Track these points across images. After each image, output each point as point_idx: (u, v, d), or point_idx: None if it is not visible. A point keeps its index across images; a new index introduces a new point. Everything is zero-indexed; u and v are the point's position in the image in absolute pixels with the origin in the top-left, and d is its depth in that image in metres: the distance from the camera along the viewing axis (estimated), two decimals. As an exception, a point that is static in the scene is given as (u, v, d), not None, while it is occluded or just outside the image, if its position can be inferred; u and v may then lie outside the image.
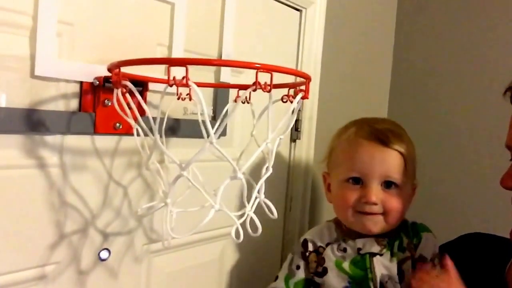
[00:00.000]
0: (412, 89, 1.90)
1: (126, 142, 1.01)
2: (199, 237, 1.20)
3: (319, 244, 1.16)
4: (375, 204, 1.08)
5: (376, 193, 1.08)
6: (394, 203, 1.09)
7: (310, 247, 1.17)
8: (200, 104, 0.71)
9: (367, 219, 1.09)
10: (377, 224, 1.09)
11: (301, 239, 1.20)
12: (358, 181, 1.10)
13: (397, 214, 1.10)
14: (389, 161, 1.10)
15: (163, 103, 0.79)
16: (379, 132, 1.11)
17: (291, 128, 1.43)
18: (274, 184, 1.43)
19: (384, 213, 1.09)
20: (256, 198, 0.81)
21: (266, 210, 0.85)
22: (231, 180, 0.75)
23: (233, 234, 0.76)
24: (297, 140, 1.49)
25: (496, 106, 1.63)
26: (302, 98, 0.81)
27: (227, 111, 1.10)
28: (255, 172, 0.88)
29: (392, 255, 1.09)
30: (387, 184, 1.10)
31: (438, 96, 1.82)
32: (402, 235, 1.12)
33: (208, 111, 1.09)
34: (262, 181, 0.81)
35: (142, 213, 1.01)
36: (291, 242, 1.51)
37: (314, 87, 1.47)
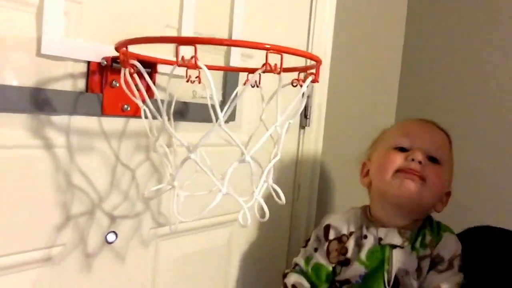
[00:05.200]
0: (423, 73, 1.87)
1: (134, 124, 1.00)
2: (207, 223, 1.20)
3: (343, 232, 1.15)
4: (421, 162, 1.07)
5: (423, 156, 1.08)
6: (436, 174, 1.09)
7: (332, 234, 1.15)
8: (209, 85, 0.69)
9: (406, 179, 1.08)
10: (414, 187, 1.07)
11: (324, 223, 1.18)
12: (404, 150, 1.11)
13: (434, 187, 1.09)
14: (437, 137, 1.15)
15: (171, 86, 0.79)
16: (430, 120, 1.20)
17: (300, 115, 1.44)
18: (282, 172, 1.42)
19: (424, 179, 1.08)
20: (264, 182, 0.79)
21: (274, 195, 0.84)
22: (239, 163, 0.74)
23: (240, 219, 0.75)
24: (306, 127, 1.47)
25: (506, 103, 1.65)
26: (313, 81, 0.79)
27: (236, 94, 1.08)
28: (263, 158, 0.87)
29: (412, 249, 1.07)
30: (431, 159, 1.10)
31: (450, 81, 1.79)
32: (426, 232, 1.10)
33: (217, 95, 1.09)
34: (270, 165, 0.79)
35: (149, 196, 1.00)
36: (298, 231, 1.50)
37: (324, 72, 1.45)
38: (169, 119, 0.85)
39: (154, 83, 0.97)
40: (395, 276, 1.05)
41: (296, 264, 1.18)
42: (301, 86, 0.80)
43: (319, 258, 1.14)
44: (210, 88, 0.69)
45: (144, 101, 0.82)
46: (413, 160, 1.08)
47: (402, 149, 1.11)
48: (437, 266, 1.06)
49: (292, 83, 0.83)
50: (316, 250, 1.16)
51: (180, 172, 0.79)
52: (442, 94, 1.79)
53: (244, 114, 1.26)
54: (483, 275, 1.08)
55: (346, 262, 1.11)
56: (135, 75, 0.82)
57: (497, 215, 1.52)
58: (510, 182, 1.60)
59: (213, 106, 0.70)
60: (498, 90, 1.66)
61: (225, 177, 0.74)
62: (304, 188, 1.51)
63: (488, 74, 1.69)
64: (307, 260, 1.16)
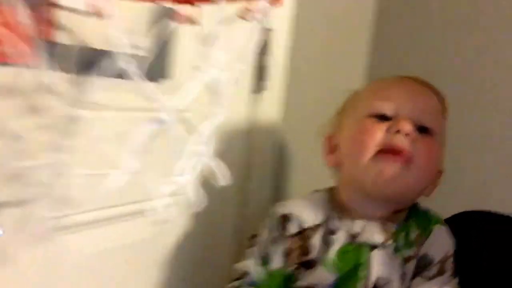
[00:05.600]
0: (403, 21, 1.58)
1: (24, 76, 0.76)
2: (129, 210, 1.00)
3: (306, 224, 0.94)
4: (408, 134, 0.87)
5: (410, 127, 0.89)
6: (427, 150, 0.90)
7: (291, 228, 0.95)
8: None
9: (388, 163, 0.89)
10: (398, 173, 0.88)
11: (279, 212, 0.98)
12: (385, 119, 0.91)
13: (425, 168, 0.90)
14: (428, 100, 0.95)
15: (75, 25, 0.66)
16: (415, 77, 0.99)
17: (256, 78, 1.26)
18: (230, 146, 1.24)
19: (411, 161, 0.88)
20: (195, 155, 0.55)
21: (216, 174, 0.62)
22: (152, 125, 0.51)
23: (148, 212, 0.51)
24: (262, 92, 1.30)
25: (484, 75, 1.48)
26: (272, 3, 0.57)
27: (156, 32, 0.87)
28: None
29: (396, 250, 0.90)
30: (421, 129, 0.91)
31: (439, 31, 1.49)
32: (412, 224, 0.92)
33: (142, 42, 0.88)
34: (206, 129, 0.56)
35: (28, 173, 0.78)
36: (250, 219, 1.33)
37: (285, 18, 1.30)
38: (66, 71, 0.63)
39: (52, 21, 0.74)
40: (374, 285, 0.88)
41: (245, 273, 0.96)
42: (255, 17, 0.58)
43: (276, 262, 0.94)
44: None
45: (30, 44, 0.60)
46: (398, 132, 0.88)
47: (381, 117, 0.92)
48: (424, 270, 0.89)
49: (243, 16, 0.60)
50: (270, 251, 0.95)
51: (69, 138, 0.61)
52: (429, 47, 1.52)
53: (185, 71, 1.03)
54: (478, 273, 0.96)
55: (308, 265, 0.92)
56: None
57: (489, 197, 1.37)
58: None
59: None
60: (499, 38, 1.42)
61: (131, 147, 0.52)
62: (258, 168, 1.36)
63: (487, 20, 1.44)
64: (262, 266, 0.95)
